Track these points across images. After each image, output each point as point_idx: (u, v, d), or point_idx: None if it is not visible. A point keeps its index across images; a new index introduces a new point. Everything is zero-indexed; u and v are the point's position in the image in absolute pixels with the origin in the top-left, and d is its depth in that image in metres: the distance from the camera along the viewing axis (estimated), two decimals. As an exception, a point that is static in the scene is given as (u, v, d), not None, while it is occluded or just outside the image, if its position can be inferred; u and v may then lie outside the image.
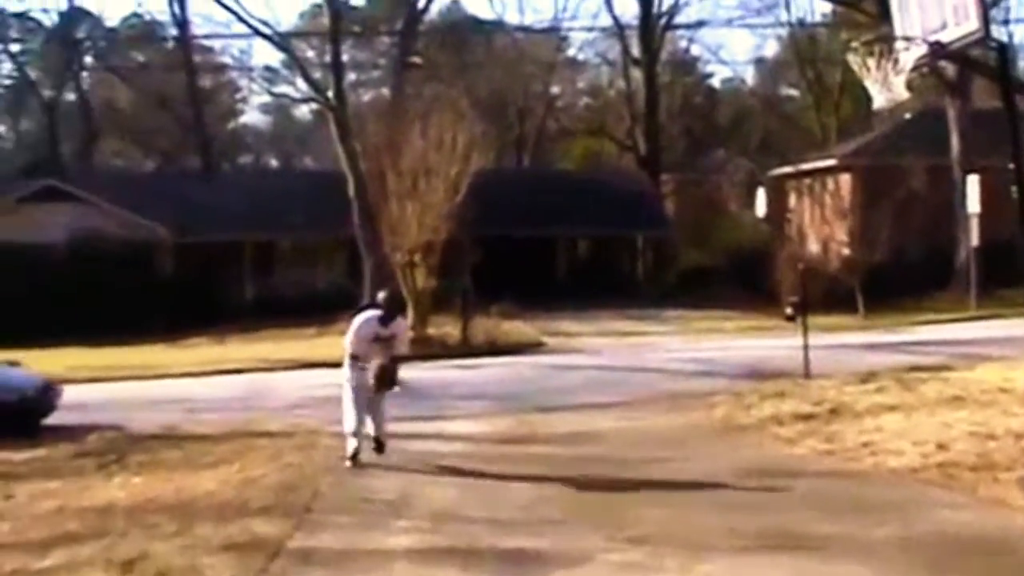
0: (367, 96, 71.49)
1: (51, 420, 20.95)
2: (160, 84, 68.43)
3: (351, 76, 64.76)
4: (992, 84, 23.34)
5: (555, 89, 74.70)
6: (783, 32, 71.67)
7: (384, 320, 15.75)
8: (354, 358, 15.73)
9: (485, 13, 72.74)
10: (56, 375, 24.14)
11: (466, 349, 33.47)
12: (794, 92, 76.92)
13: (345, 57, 57.57)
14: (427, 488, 13.80)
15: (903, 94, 12.30)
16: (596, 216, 52.46)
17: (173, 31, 66.68)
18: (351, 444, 15.65)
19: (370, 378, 15.53)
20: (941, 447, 14.17)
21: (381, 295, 16.20)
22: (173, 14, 64.67)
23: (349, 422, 15.68)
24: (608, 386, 24.66)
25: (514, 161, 70.14)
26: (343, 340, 16.24)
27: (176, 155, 72.53)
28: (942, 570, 9.75)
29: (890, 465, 13.76)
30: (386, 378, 15.63)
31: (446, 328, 35.71)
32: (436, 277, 35.98)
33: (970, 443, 14.24)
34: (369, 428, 15.78)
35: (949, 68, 41.94)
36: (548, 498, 13.11)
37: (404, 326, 16.57)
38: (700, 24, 69.47)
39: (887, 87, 12.20)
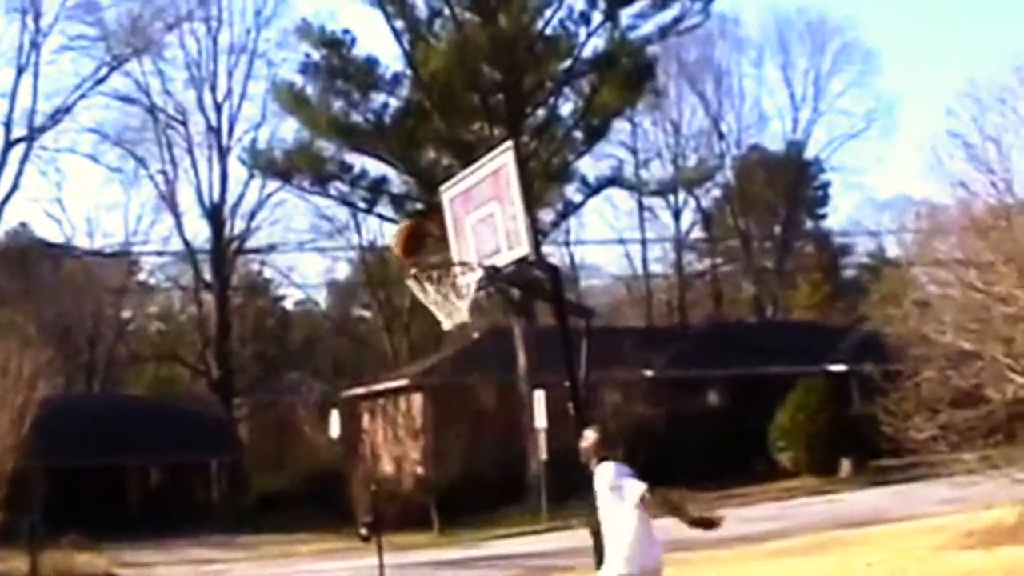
0: (-73, 322, 68.86)
1: None
2: None
3: (-93, 301, 62.39)
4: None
5: (126, 313, 73.73)
6: (354, 255, 73.04)
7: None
8: None
9: (54, 236, 70.87)
10: None
11: (34, 585, 32.19)
12: (366, 313, 78.13)
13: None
14: None
15: (464, 317, 12.69)
16: (168, 442, 51.65)
17: None
18: None
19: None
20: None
21: (591, 434, 11.01)
22: None
23: None
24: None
25: (83, 387, 68.40)
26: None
27: None
28: None
29: None
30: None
31: (13, 563, 34.26)
32: (2, 510, 34.57)
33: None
34: None
35: (514, 288, 43.42)
36: None
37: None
38: (272, 248, 69.88)
39: (448, 310, 12.57)
